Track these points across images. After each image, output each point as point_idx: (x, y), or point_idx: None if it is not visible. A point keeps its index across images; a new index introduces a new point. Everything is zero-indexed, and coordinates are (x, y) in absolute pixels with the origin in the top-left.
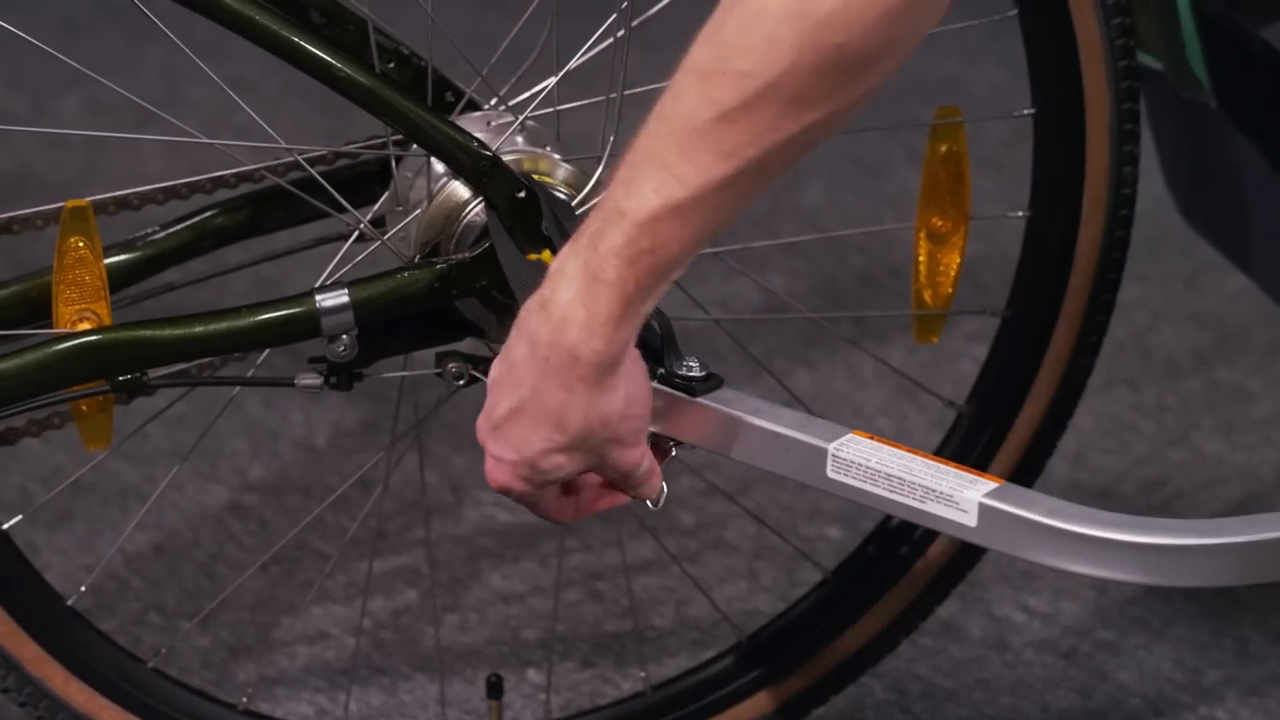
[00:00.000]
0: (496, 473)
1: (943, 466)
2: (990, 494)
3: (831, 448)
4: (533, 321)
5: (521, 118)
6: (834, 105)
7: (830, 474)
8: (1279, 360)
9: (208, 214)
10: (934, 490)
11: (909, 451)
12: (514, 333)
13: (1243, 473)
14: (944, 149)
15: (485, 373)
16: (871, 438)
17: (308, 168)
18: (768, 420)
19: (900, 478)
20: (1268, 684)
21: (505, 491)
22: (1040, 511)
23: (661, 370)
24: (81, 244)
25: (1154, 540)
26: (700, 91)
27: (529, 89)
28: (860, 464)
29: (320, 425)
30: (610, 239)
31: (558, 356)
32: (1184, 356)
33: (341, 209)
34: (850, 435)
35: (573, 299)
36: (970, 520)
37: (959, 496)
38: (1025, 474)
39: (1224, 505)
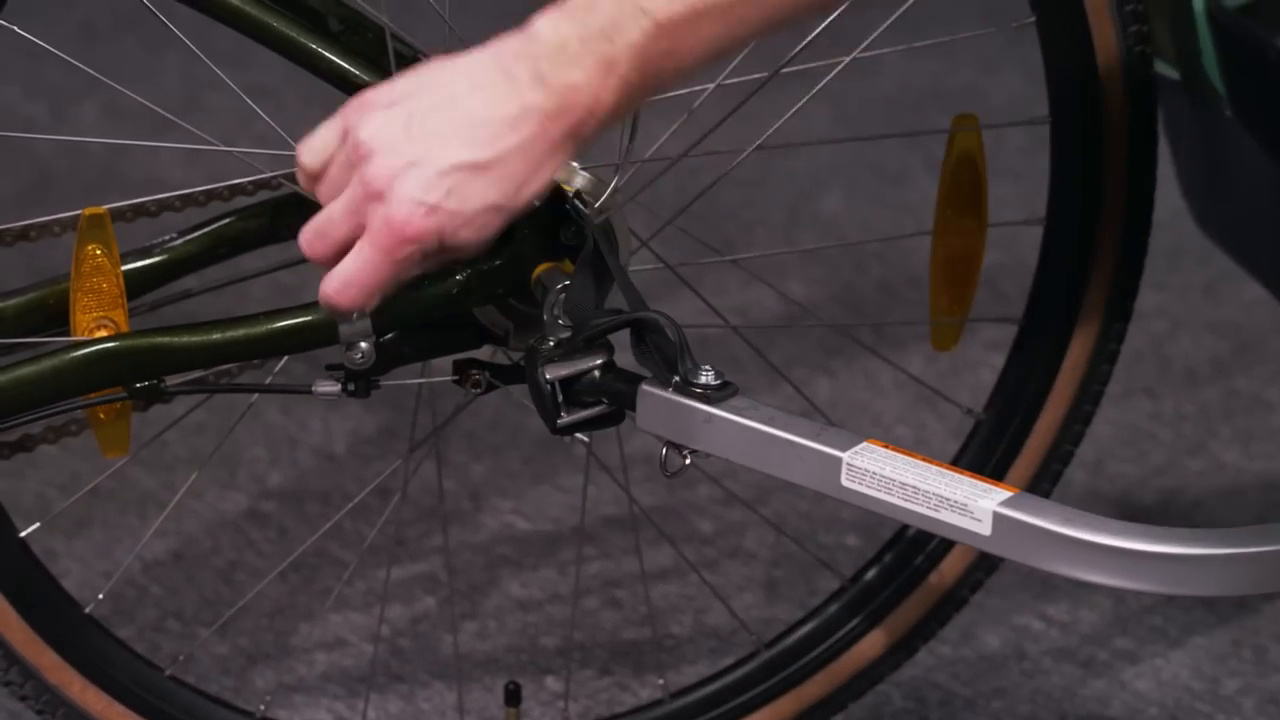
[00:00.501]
0: (428, 222)
1: (957, 475)
2: (1005, 503)
3: (846, 456)
4: (526, 91)
5: None
6: None
7: (845, 482)
8: None
9: (226, 221)
10: (948, 499)
11: (924, 460)
12: (468, 81)
13: (1261, 482)
14: (962, 156)
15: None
16: (886, 446)
17: None
18: (782, 429)
19: (915, 486)
20: None
21: (408, 249)
22: (1055, 521)
23: (677, 379)
24: (99, 251)
25: (1171, 550)
26: None
27: None
28: (875, 472)
29: (339, 432)
30: (628, 34)
31: (555, 129)
32: (1202, 365)
33: None
34: (865, 444)
35: (584, 84)
36: (985, 529)
37: (973, 505)
38: (1043, 482)
39: (1242, 514)
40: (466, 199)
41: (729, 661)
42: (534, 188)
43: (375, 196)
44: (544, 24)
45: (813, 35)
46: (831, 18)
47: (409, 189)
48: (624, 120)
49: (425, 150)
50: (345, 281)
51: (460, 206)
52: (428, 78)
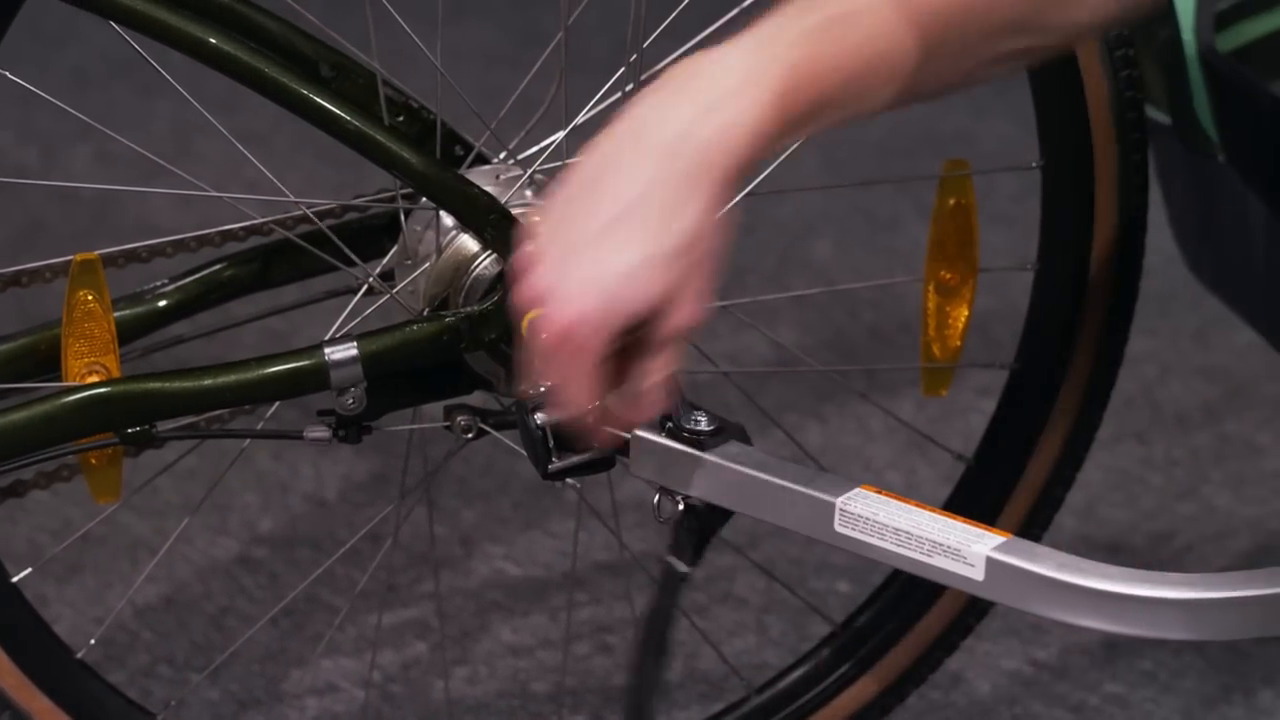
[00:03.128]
0: (570, 305)
1: (950, 521)
2: (998, 548)
3: (839, 502)
4: (666, 111)
5: (530, 171)
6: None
7: (838, 528)
8: None
9: (216, 267)
10: (941, 544)
11: (917, 506)
12: (613, 141)
13: (1252, 526)
14: (953, 202)
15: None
16: (879, 492)
17: (316, 221)
18: (775, 475)
19: (908, 532)
20: None
21: (574, 344)
22: (1048, 566)
23: (669, 424)
24: (90, 297)
25: (1163, 594)
26: None
27: (538, 143)
28: (868, 518)
29: (330, 478)
30: (785, 50)
31: (696, 142)
32: (1193, 410)
33: (350, 262)
34: (858, 489)
35: (732, 89)
36: (978, 574)
37: (966, 551)
38: (1034, 527)
39: (1234, 559)
40: (608, 262)
41: (720, 707)
42: (683, 224)
43: (532, 305)
44: (690, 59)
45: None
46: None
47: (555, 289)
48: (774, 152)
49: (569, 238)
50: (555, 403)
51: (603, 272)
52: (588, 155)
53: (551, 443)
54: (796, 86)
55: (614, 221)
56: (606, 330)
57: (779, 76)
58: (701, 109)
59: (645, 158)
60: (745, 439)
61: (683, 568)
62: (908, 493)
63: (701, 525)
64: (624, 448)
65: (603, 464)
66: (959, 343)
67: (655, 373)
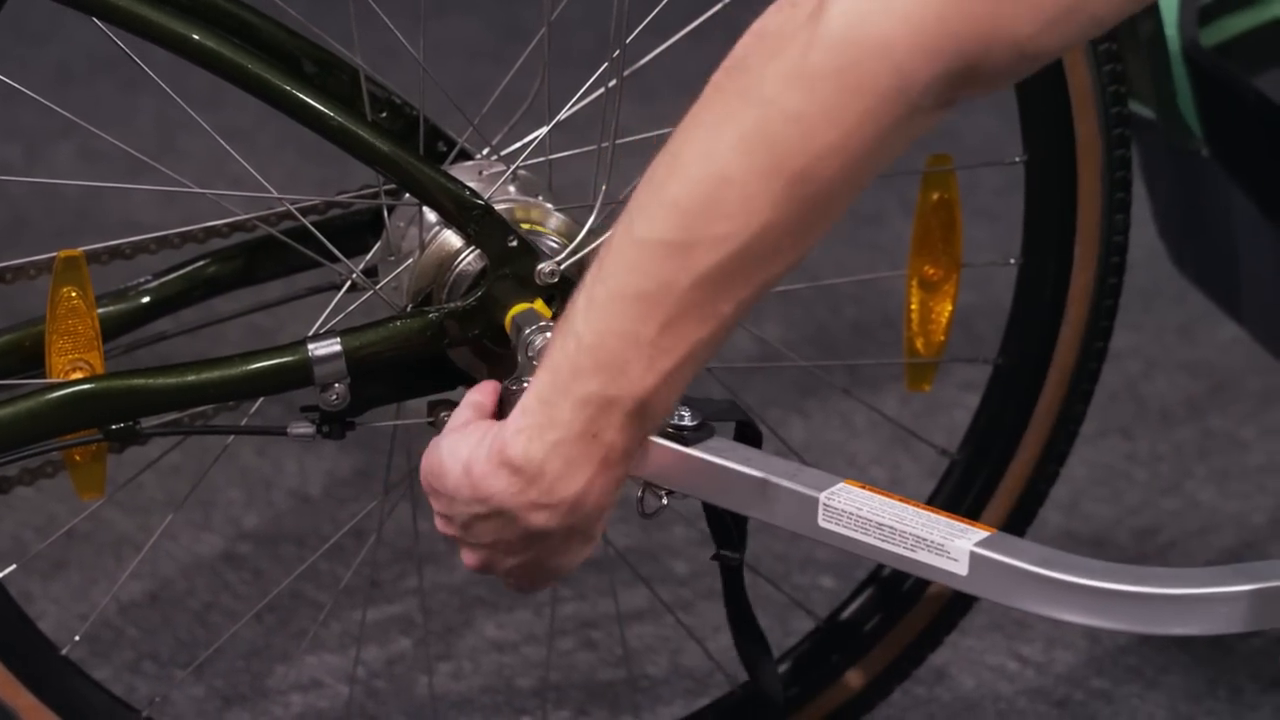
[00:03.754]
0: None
1: (934, 515)
2: (981, 543)
3: (823, 497)
4: (531, 520)
5: (514, 167)
6: (807, 244)
7: (822, 523)
8: (1272, 409)
9: (200, 263)
10: (925, 539)
11: (901, 500)
12: (486, 523)
13: (1236, 521)
14: (936, 197)
15: None
16: (863, 487)
17: (300, 217)
18: (759, 469)
19: (891, 527)
20: None
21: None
22: (1031, 560)
23: None
24: (74, 294)
25: (1147, 589)
26: (675, 263)
27: (521, 138)
28: (852, 513)
29: (314, 474)
30: (613, 427)
31: (581, 524)
32: (1177, 405)
33: (334, 258)
34: (842, 484)
35: (587, 487)
36: (962, 569)
37: (950, 545)
38: (1018, 522)
39: (1218, 554)
40: (549, 571)
41: (704, 702)
42: (600, 528)
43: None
44: (515, 450)
45: None
46: None
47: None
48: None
49: (497, 561)
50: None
51: (547, 577)
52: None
53: None
54: (638, 439)
55: (545, 570)
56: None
57: (624, 453)
58: (586, 513)
59: (566, 540)
60: (741, 414)
61: (735, 558)
62: (891, 488)
63: (733, 513)
64: None
65: None
66: (942, 338)
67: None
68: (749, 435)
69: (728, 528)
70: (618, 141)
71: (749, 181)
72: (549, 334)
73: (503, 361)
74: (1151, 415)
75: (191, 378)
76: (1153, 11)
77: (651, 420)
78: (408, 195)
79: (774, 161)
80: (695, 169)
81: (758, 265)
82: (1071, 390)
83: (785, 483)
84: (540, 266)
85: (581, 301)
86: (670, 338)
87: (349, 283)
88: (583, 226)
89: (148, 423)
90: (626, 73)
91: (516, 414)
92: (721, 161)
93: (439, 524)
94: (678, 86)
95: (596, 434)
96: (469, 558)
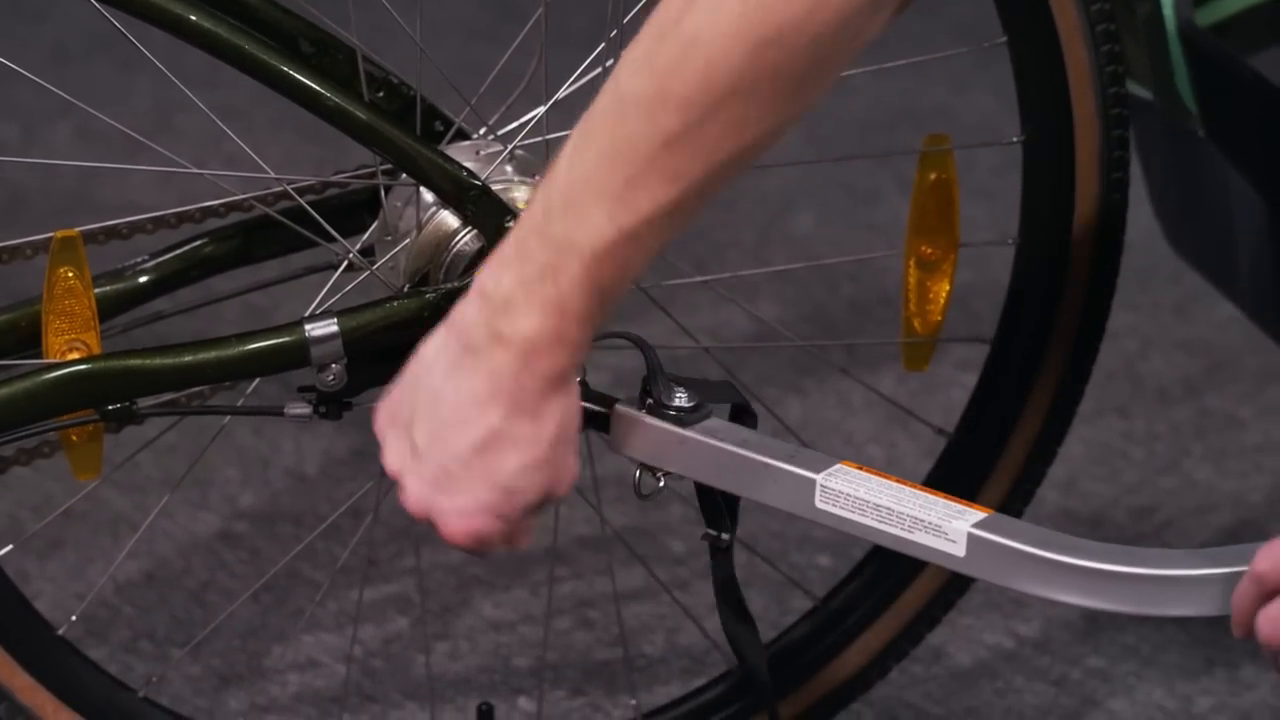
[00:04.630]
0: (466, 521)
1: (931, 497)
2: (979, 524)
3: (820, 478)
4: (490, 356)
5: (511, 147)
6: (775, 121)
7: (819, 504)
8: (1269, 388)
9: (197, 243)
10: (922, 520)
11: (898, 482)
12: (442, 373)
13: (1233, 500)
14: (933, 176)
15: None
16: (860, 468)
17: (297, 197)
18: (756, 451)
19: (889, 508)
20: (1259, 711)
21: (479, 541)
22: (1029, 541)
23: (650, 401)
24: (71, 274)
25: (1144, 570)
26: (643, 119)
27: (518, 118)
28: (849, 494)
29: (311, 454)
30: (570, 271)
31: (531, 381)
32: (1174, 384)
33: (330, 238)
34: (839, 465)
35: (540, 330)
36: (959, 550)
37: (947, 527)
38: (1015, 501)
39: (1215, 533)
40: (494, 476)
41: (701, 682)
42: (549, 431)
43: (428, 520)
44: (487, 279)
45: None
46: None
47: (442, 507)
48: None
49: (436, 463)
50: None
51: (493, 488)
52: (413, 381)
53: None
54: (594, 300)
55: (484, 446)
56: (503, 530)
57: (577, 311)
58: (523, 355)
59: (493, 398)
60: (737, 396)
61: (724, 537)
62: (888, 468)
63: (724, 493)
64: (605, 424)
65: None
66: (940, 317)
67: (533, 525)
68: (744, 417)
69: (719, 507)
70: None
71: (716, 42)
72: None
73: None
74: (1148, 394)
75: (188, 358)
76: None
77: (605, 288)
78: (404, 175)
79: (742, 25)
80: (670, 28)
81: (723, 134)
82: (1069, 369)
83: (782, 464)
84: None
85: (567, 148)
86: (633, 193)
87: (346, 263)
88: None
89: (144, 403)
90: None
91: (494, 254)
92: (693, 23)
93: (388, 455)
94: None
95: (556, 277)
96: (415, 483)
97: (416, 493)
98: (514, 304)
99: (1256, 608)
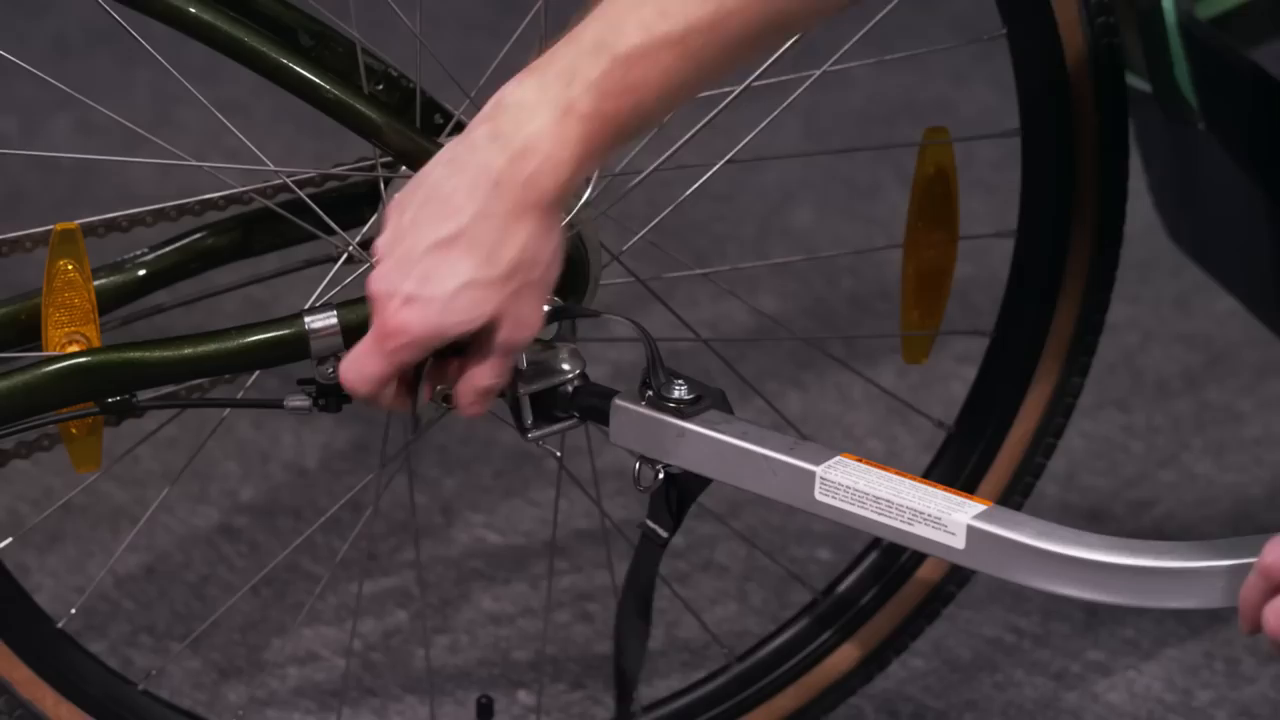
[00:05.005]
0: (405, 314)
1: (931, 489)
2: (978, 516)
3: (819, 470)
4: (483, 152)
5: None
6: None
7: (818, 496)
8: (1269, 381)
9: (197, 236)
10: (922, 513)
11: (897, 474)
12: (444, 166)
13: (1233, 493)
14: (933, 169)
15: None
16: (860, 460)
17: (296, 190)
18: (756, 443)
19: (888, 500)
20: (1259, 705)
21: (396, 343)
22: (1028, 534)
23: (650, 393)
24: (70, 266)
25: (1144, 563)
26: None
27: None
28: (848, 486)
29: (310, 447)
30: (586, 73)
31: (512, 185)
32: (1174, 377)
33: (330, 231)
34: (838, 458)
35: (539, 131)
36: (959, 543)
37: (947, 519)
38: (1015, 495)
39: (1214, 526)
40: (439, 280)
41: (701, 675)
42: (509, 253)
43: (372, 300)
44: (508, 86)
45: (783, 49)
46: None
47: (388, 284)
48: (589, 173)
49: (406, 245)
50: (347, 367)
51: (434, 290)
52: (421, 174)
53: (530, 410)
54: (601, 117)
55: (445, 243)
56: (426, 343)
57: (583, 116)
58: (514, 153)
59: (469, 194)
60: (725, 405)
61: (662, 534)
62: (888, 461)
63: (680, 492)
64: (605, 416)
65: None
66: (939, 310)
67: (480, 378)
68: None
69: (669, 504)
70: None
71: None
72: (545, 307)
73: None
74: (1148, 387)
75: (188, 351)
76: None
77: (615, 108)
78: (404, 168)
79: None
80: None
81: None
82: (1068, 363)
83: (782, 456)
84: None
85: None
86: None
87: (345, 255)
88: (579, 199)
89: (144, 396)
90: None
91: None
92: None
93: (382, 235)
94: None
95: (572, 79)
96: (385, 263)
97: (381, 272)
98: (524, 106)
99: (1264, 602)
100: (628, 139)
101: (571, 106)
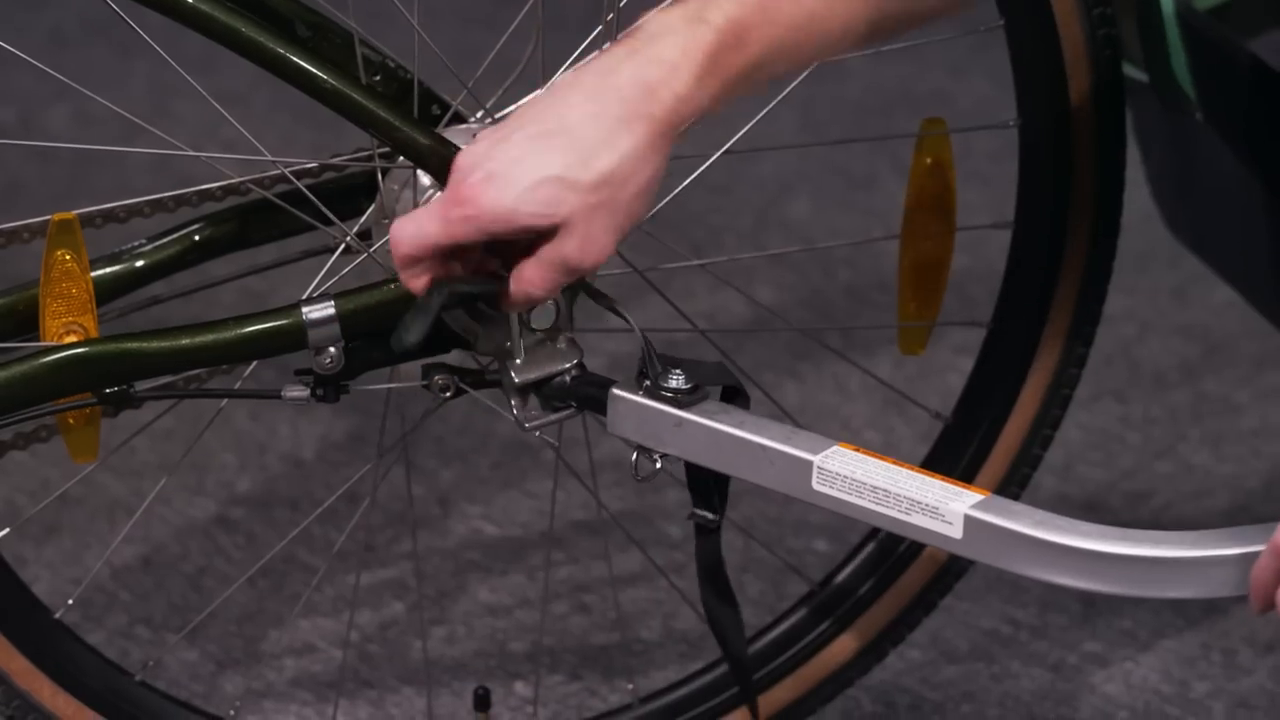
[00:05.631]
0: (481, 188)
1: (928, 479)
2: (975, 506)
3: (817, 460)
4: (611, 58)
5: None
6: None
7: (815, 486)
8: (1266, 372)
9: (194, 227)
10: (919, 502)
11: (894, 464)
12: (574, 72)
13: (1230, 484)
14: (930, 160)
15: (472, 385)
16: (857, 450)
17: (294, 180)
18: (753, 433)
19: (885, 490)
20: (1256, 696)
21: (461, 212)
22: (1025, 524)
23: (647, 383)
24: (68, 257)
25: (1141, 552)
26: None
27: (515, 101)
28: (845, 476)
29: (307, 438)
30: (725, 7)
31: (631, 89)
32: (1171, 369)
33: (328, 222)
34: (835, 447)
35: (669, 41)
36: (956, 532)
37: (944, 509)
38: (1012, 486)
39: (1211, 517)
40: (527, 166)
41: (698, 666)
42: (605, 161)
43: (454, 170)
44: (650, 14)
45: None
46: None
47: (474, 158)
48: (710, 109)
49: (509, 128)
50: (402, 224)
51: (518, 174)
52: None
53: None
54: (729, 51)
55: (545, 134)
56: (490, 224)
57: (712, 44)
58: (641, 60)
59: (587, 94)
60: (728, 378)
61: (712, 518)
62: (886, 451)
63: (715, 474)
64: (602, 406)
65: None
66: (936, 302)
67: (529, 279)
68: (736, 398)
69: (708, 488)
70: None
71: None
72: None
73: (497, 324)
74: (1145, 379)
75: (185, 341)
76: None
77: (754, 26)
78: (401, 159)
79: None
80: None
81: None
82: (1065, 354)
83: (779, 446)
84: None
85: None
86: None
87: (343, 246)
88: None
89: (141, 386)
90: (620, 36)
91: None
92: None
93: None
94: None
95: (704, 17)
96: (478, 143)
97: (473, 147)
98: (661, 21)
99: (1277, 581)
100: (751, 74)
101: (705, 16)
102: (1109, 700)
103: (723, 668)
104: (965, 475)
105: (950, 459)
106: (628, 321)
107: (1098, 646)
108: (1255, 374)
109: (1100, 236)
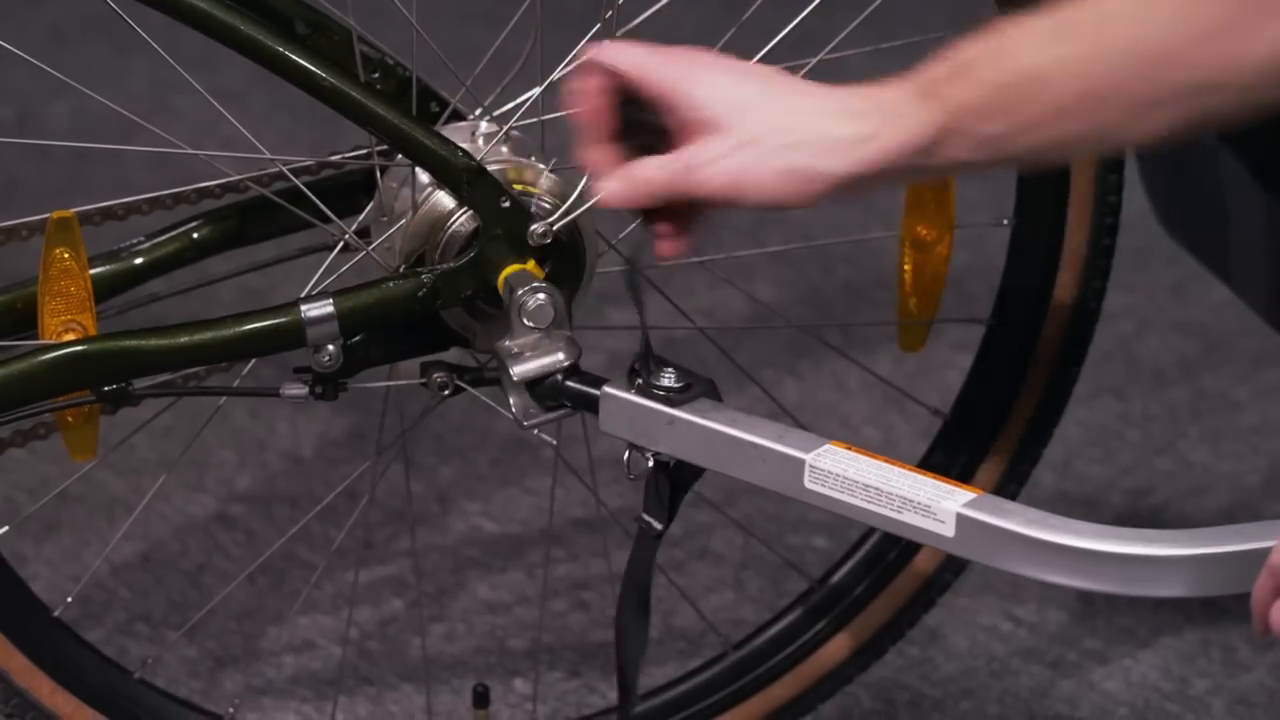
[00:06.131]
0: (727, 156)
1: (920, 477)
2: (968, 504)
3: (809, 458)
4: (852, 103)
5: (506, 128)
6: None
7: (808, 484)
8: (1265, 369)
9: (193, 225)
10: (911, 501)
11: (887, 462)
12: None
13: (1229, 481)
14: None
15: (470, 383)
16: (849, 448)
17: (293, 178)
18: (745, 431)
19: (878, 488)
20: (1255, 693)
21: (688, 163)
22: (1018, 522)
23: (639, 381)
24: (67, 255)
25: (1137, 550)
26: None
27: (514, 99)
28: (837, 474)
29: (306, 435)
30: (957, 88)
31: (868, 94)
32: (1170, 366)
33: (326, 219)
34: (828, 446)
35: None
36: (948, 531)
37: (937, 507)
38: (1011, 483)
39: (1210, 514)
40: (783, 155)
41: (697, 663)
42: (820, 125)
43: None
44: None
45: (779, 37)
46: (801, 17)
47: (713, 147)
48: (939, 170)
49: (791, 106)
50: (626, 176)
51: (773, 161)
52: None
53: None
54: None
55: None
56: (723, 196)
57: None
58: (861, 138)
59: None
60: (715, 394)
61: (657, 526)
62: (884, 449)
63: (673, 483)
64: (594, 405)
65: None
66: (936, 298)
67: (650, 168)
68: None
69: (662, 497)
70: None
71: None
72: (541, 295)
73: (496, 322)
74: (1144, 376)
75: (184, 339)
76: None
77: (962, 132)
78: (400, 156)
79: None
80: None
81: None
82: (1064, 351)
83: (771, 444)
84: (533, 227)
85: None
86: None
87: (341, 244)
88: (575, 187)
89: (140, 384)
90: (620, 33)
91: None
92: None
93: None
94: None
95: (935, 91)
96: None
97: (749, 107)
98: (884, 101)
99: (1275, 599)
100: (973, 147)
101: (925, 113)
102: (1108, 697)
103: (721, 665)
104: (964, 472)
105: (950, 456)
106: (640, 313)
107: (1097, 643)
108: (1254, 371)
109: (1099, 233)
